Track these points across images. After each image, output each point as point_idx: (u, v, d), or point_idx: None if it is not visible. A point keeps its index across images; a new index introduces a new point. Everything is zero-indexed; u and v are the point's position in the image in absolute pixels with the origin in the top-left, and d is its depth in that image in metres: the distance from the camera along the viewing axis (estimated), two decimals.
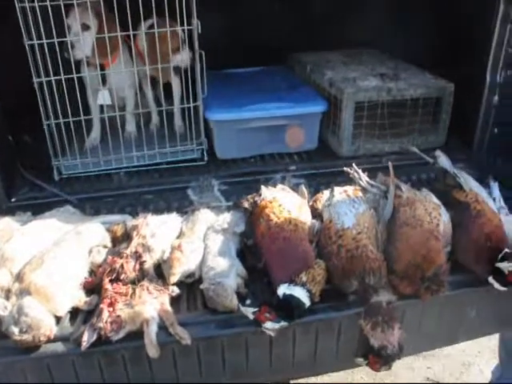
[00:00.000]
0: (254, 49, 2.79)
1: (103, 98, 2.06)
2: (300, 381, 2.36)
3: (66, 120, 1.95)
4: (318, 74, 2.33)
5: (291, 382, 2.29)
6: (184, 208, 1.73)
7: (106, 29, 1.82)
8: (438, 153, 1.74)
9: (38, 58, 1.83)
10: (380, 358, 1.32)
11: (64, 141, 1.97)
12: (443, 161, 1.70)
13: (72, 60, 1.90)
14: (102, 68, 2.03)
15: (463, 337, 1.57)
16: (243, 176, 2.01)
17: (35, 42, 1.80)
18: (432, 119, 2.20)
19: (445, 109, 2.17)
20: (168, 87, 2.24)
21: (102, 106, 2.17)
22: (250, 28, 2.87)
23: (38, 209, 1.78)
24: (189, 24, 1.93)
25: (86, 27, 1.87)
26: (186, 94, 2.18)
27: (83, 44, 1.86)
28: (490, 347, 2.45)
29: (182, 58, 2.00)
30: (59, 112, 1.91)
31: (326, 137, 2.21)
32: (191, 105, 2.02)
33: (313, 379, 2.39)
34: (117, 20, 1.84)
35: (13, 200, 1.90)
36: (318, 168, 2.06)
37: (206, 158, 2.08)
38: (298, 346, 1.35)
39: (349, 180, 1.78)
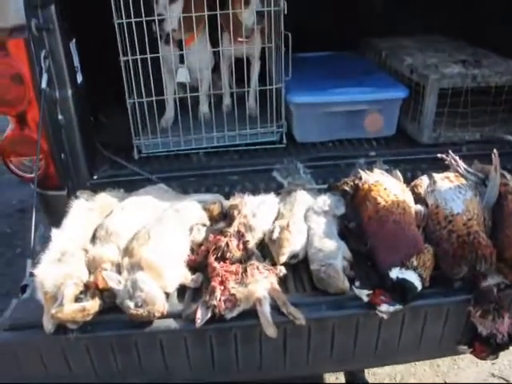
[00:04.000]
0: (321, 34, 2.76)
1: (182, 75, 2.04)
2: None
3: (150, 99, 1.95)
4: (395, 59, 2.29)
5: None
6: (271, 189, 1.72)
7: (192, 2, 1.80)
8: None
9: (126, 36, 1.83)
10: (488, 347, 1.30)
11: (146, 120, 1.98)
12: None
13: (158, 34, 1.89)
14: (181, 47, 2.03)
15: None
16: (323, 160, 1.98)
17: (124, 20, 1.81)
18: None
19: None
20: (241, 71, 2.22)
21: (179, 86, 2.17)
22: (319, 13, 2.83)
23: (119, 186, 1.79)
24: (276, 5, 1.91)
25: (173, 0, 1.85)
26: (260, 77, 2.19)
27: (171, 16, 1.85)
28: None
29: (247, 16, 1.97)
30: (143, 91, 1.92)
31: (405, 124, 2.18)
32: (274, 87, 2.01)
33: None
34: None
35: (95, 177, 1.91)
36: (398, 155, 2.03)
37: (285, 141, 2.06)
38: (405, 331, 1.34)
39: (433, 167, 1.76)
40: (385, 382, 2.36)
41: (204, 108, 2.25)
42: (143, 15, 1.82)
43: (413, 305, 1.30)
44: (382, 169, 1.72)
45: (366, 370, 2.38)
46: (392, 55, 2.33)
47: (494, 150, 1.55)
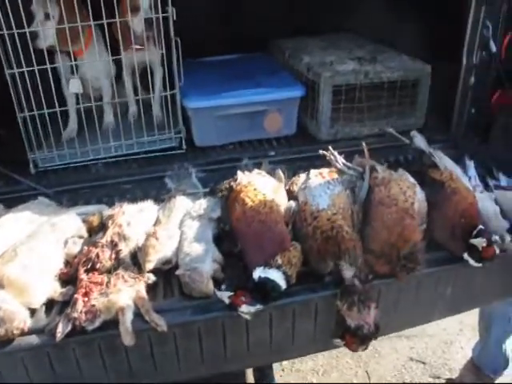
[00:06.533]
0: (235, 36, 2.78)
1: (74, 86, 2.03)
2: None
3: (41, 112, 1.92)
4: (295, 59, 2.31)
5: None
6: (162, 196, 1.72)
7: (65, 17, 1.79)
8: (414, 133, 1.74)
9: (9, 48, 1.81)
10: (356, 338, 1.33)
11: (40, 133, 1.95)
12: (419, 141, 1.71)
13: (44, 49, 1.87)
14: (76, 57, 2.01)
15: (439, 315, 1.59)
16: (222, 163, 1.99)
17: (5, 32, 1.78)
18: (410, 101, 2.19)
19: (422, 91, 2.18)
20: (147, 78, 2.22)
21: (78, 97, 2.15)
22: (230, 15, 2.86)
23: (14, 202, 1.76)
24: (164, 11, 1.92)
25: (47, 16, 1.84)
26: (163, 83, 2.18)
27: (45, 33, 1.83)
28: (471, 325, 2.48)
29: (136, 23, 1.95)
30: (33, 104, 1.89)
31: (305, 122, 2.21)
32: (168, 93, 2.00)
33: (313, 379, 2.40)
34: (89, 6, 1.82)
35: None
36: (297, 153, 2.06)
37: (184, 147, 2.06)
38: (276, 330, 1.35)
39: (327, 163, 1.79)
40: (308, 377, 2.39)
41: (108, 118, 2.23)
42: (26, 27, 1.80)
43: (279, 303, 1.32)
44: (267, 169, 1.74)
45: (289, 366, 2.41)
46: (293, 55, 2.36)
47: (363, 144, 1.58)
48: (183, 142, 2.06)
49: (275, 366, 2.39)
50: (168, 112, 2.01)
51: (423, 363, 2.44)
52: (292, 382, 2.39)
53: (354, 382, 2.40)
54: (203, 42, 2.60)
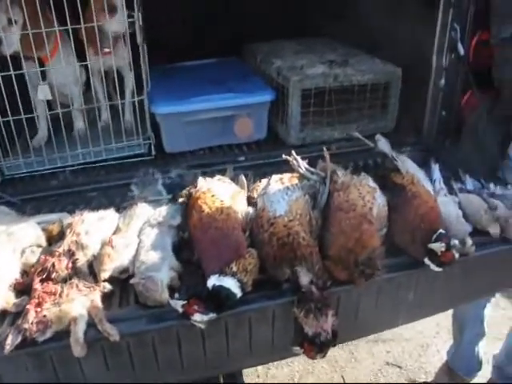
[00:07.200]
0: (210, 41, 2.79)
1: (43, 92, 2.01)
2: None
3: (6, 119, 1.91)
4: (266, 63, 2.31)
5: None
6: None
7: (29, 22, 1.77)
8: (378, 137, 1.74)
9: None
10: (314, 346, 1.31)
11: (5, 141, 1.94)
12: (382, 144, 1.70)
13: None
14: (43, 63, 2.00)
15: (403, 319, 1.57)
16: (191, 169, 1.98)
17: None
18: (381, 104, 2.19)
19: (393, 93, 2.18)
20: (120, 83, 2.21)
21: (49, 104, 2.14)
22: (205, 21, 2.88)
23: None
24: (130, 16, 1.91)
25: (10, 21, 1.82)
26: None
27: (8, 39, 1.81)
28: (447, 327, 2.46)
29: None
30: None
31: (276, 126, 2.20)
32: (135, 99, 2.00)
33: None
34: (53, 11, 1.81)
35: None
36: (267, 158, 2.05)
37: (153, 153, 2.05)
38: (232, 338, 1.34)
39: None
40: (283, 383, 2.38)
41: (79, 124, 2.22)
42: None
43: (235, 311, 1.30)
44: (231, 175, 1.73)
45: (264, 372, 2.40)
46: (265, 59, 2.35)
47: (324, 148, 1.58)
48: (152, 148, 2.05)
49: (250, 371, 2.38)
50: (136, 118, 2.00)
51: (399, 367, 2.44)
52: None
53: None
54: (176, 47, 2.61)
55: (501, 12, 1.84)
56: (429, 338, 2.57)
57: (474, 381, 2.32)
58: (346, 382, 2.38)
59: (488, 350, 2.37)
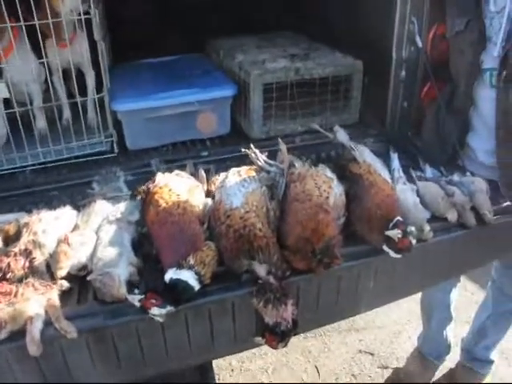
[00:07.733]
0: (172, 38, 2.78)
1: (0, 91, 1.98)
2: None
3: None
4: (229, 58, 2.31)
5: None
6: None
7: None
8: (336, 128, 1.76)
9: None
10: (276, 336, 1.33)
11: None
12: (341, 135, 1.72)
13: None
14: None
15: (366, 307, 1.60)
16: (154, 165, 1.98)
17: None
18: (343, 97, 2.22)
19: (355, 86, 2.20)
20: (81, 81, 2.19)
21: (7, 103, 2.10)
22: (169, 16, 2.87)
23: None
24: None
25: None
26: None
27: None
28: (418, 314, 2.50)
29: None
30: None
31: (240, 121, 2.21)
32: (95, 96, 1.98)
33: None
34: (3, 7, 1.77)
35: None
36: (230, 152, 2.05)
37: (116, 150, 2.04)
38: (193, 330, 1.34)
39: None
40: (258, 376, 2.39)
41: (40, 123, 2.19)
42: None
43: (193, 303, 1.31)
44: (191, 170, 1.73)
45: (238, 366, 2.41)
46: (227, 54, 2.35)
47: (279, 140, 1.59)
48: (114, 145, 2.04)
49: (225, 365, 2.39)
50: (97, 116, 1.98)
51: (371, 354, 2.47)
52: (242, 381, 2.39)
53: (304, 377, 2.40)
54: (139, 43, 2.60)
55: (455, 5, 1.87)
56: (400, 325, 2.62)
57: (444, 364, 2.37)
58: (320, 372, 2.41)
59: (457, 333, 2.42)
